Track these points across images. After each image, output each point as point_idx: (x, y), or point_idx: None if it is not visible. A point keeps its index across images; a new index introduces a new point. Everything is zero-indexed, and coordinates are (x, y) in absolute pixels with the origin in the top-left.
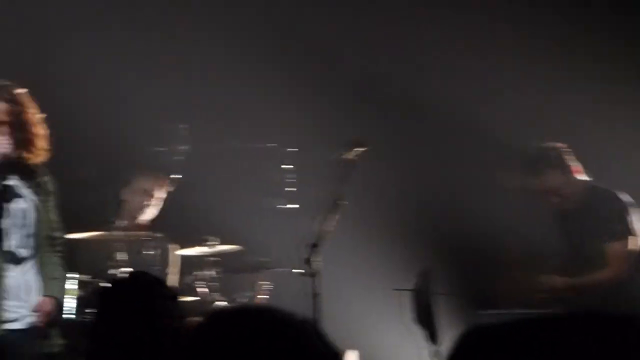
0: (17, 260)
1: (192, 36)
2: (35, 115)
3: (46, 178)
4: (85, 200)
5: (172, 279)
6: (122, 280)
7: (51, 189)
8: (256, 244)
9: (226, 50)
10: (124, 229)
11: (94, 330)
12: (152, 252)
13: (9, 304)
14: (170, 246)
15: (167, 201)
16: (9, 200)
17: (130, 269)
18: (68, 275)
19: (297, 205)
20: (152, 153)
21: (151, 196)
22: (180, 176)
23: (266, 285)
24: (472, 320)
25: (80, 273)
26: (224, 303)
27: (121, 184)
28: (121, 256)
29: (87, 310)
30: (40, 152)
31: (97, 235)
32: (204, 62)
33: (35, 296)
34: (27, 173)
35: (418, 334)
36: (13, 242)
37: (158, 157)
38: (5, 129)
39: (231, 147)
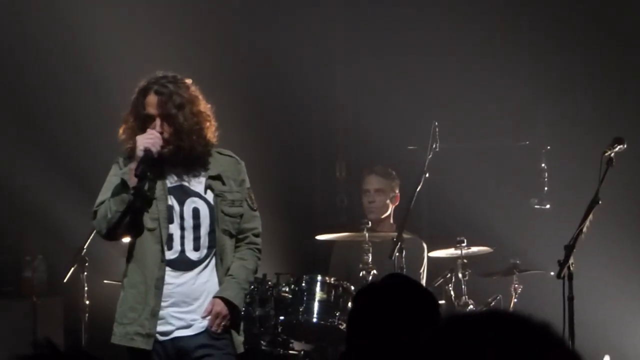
0: (189, 265)
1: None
2: (195, 104)
3: (221, 168)
4: (334, 200)
5: (422, 281)
6: (382, 283)
7: (236, 176)
8: (508, 246)
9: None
10: (372, 229)
11: (351, 336)
12: (401, 254)
13: (174, 310)
14: (421, 247)
15: (417, 201)
16: (182, 202)
17: (380, 271)
18: (310, 277)
19: (550, 206)
20: (404, 151)
21: (397, 196)
22: (430, 175)
23: (518, 288)
24: None
25: (324, 275)
26: (472, 307)
27: (367, 184)
28: (370, 258)
29: (336, 314)
30: (203, 142)
31: (344, 236)
32: (457, 58)
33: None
34: (195, 166)
35: None
36: (184, 247)
37: (410, 155)
38: (158, 121)
39: (482, 145)
